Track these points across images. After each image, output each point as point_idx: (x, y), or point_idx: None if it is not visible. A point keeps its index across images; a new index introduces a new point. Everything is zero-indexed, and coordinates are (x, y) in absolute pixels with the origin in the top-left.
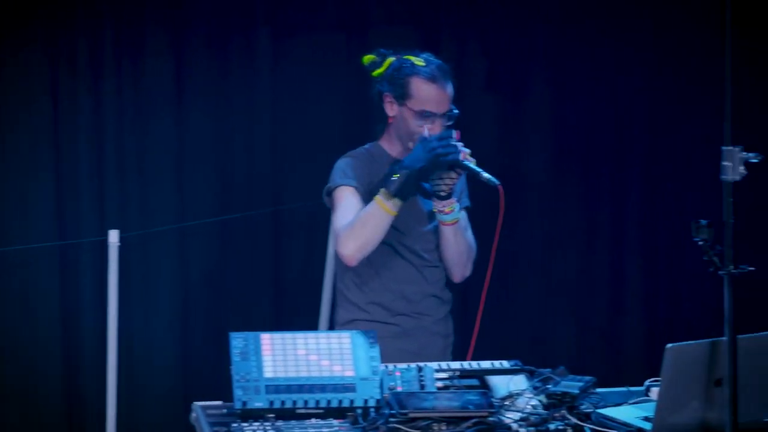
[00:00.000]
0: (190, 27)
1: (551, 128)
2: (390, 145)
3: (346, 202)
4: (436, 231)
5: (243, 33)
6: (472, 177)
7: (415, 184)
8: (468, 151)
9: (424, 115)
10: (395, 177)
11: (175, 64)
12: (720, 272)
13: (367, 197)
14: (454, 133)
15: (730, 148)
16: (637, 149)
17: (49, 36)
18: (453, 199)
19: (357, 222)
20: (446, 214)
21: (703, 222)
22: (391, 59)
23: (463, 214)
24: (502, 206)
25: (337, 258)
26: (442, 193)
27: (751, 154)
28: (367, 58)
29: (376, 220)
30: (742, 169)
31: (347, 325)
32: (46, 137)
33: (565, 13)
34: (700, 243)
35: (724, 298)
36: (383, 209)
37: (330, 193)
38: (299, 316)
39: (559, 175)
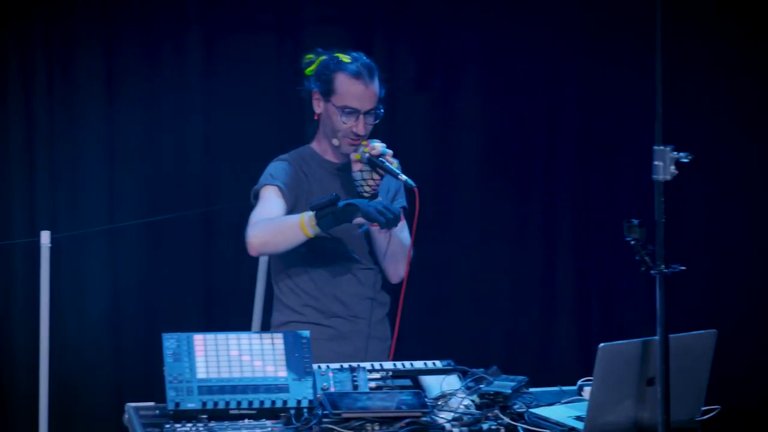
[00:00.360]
0: (121, 26)
1: (483, 128)
2: (320, 147)
3: (269, 199)
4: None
5: (174, 33)
6: (393, 177)
7: (336, 221)
8: (390, 152)
9: (347, 112)
10: (327, 208)
11: (106, 64)
12: (651, 272)
13: (293, 199)
14: (401, 215)
15: (661, 147)
16: (568, 148)
17: None
18: (379, 200)
19: (276, 222)
20: None
21: (635, 221)
22: (322, 57)
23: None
24: (417, 207)
25: (274, 262)
26: (366, 195)
27: (681, 154)
28: (306, 58)
29: (292, 233)
30: (673, 168)
31: (282, 327)
32: None
33: (495, 12)
34: (632, 242)
35: (656, 297)
36: (301, 227)
37: (256, 195)
38: (232, 317)
39: (491, 175)
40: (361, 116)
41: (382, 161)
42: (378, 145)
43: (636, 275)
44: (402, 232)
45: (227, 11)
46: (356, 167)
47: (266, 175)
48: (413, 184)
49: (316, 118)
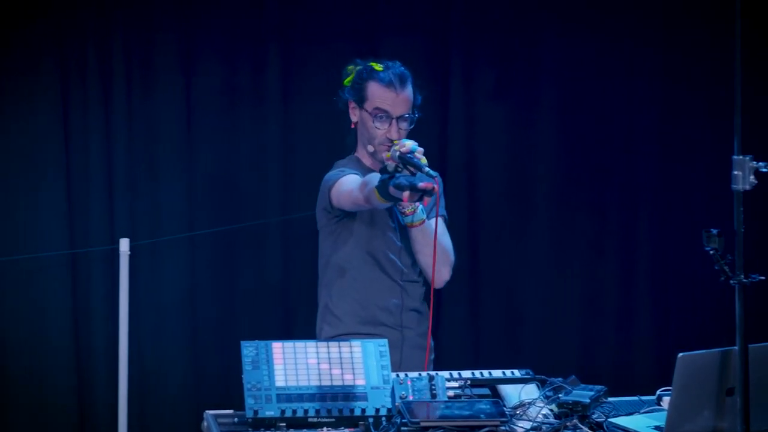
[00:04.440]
0: (200, 36)
1: (562, 136)
2: (362, 155)
3: (349, 177)
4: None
5: (253, 41)
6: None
7: (387, 192)
8: (421, 149)
9: (380, 116)
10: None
11: (185, 73)
12: (731, 281)
13: None
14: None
15: (741, 157)
16: (648, 157)
17: (58, 44)
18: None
19: (364, 180)
20: (407, 215)
21: (714, 231)
22: (358, 67)
23: (439, 222)
24: (438, 196)
25: (323, 272)
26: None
27: (761, 163)
28: (347, 69)
29: (370, 192)
30: (752, 178)
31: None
32: (56, 146)
33: (574, 20)
34: (711, 252)
35: (735, 307)
36: (376, 193)
37: (329, 189)
38: (310, 325)
39: (570, 183)
40: (394, 121)
41: (410, 157)
42: (408, 143)
43: (716, 284)
44: (443, 236)
45: (305, 20)
46: (390, 167)
47: (336, 173)
48: (435, 174)
49: (353, 126)
